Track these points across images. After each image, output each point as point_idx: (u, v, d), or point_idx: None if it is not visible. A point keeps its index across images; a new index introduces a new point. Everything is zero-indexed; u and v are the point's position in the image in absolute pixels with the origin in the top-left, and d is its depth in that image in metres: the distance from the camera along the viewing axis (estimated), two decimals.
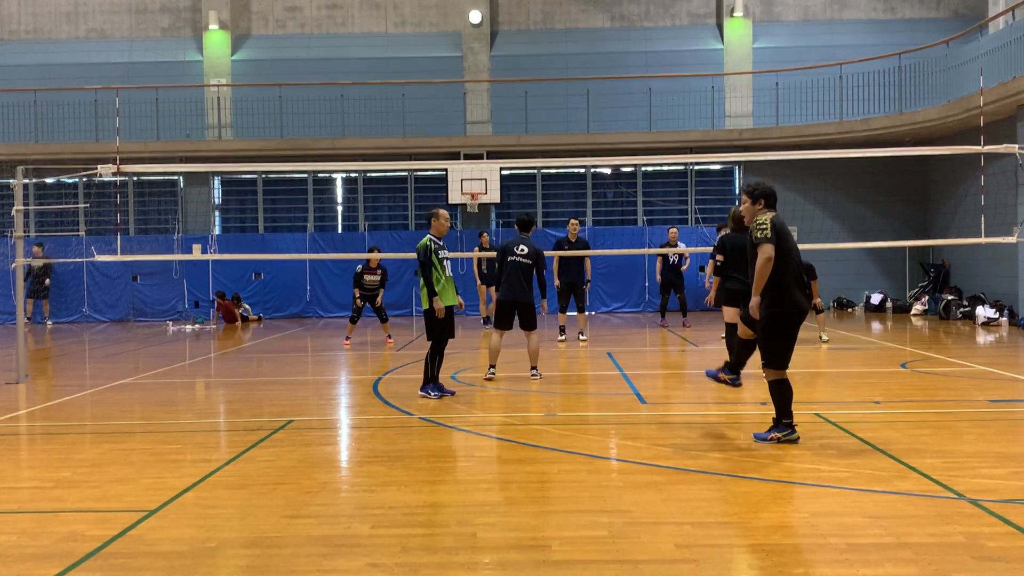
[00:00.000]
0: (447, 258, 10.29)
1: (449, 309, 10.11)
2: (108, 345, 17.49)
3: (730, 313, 10.90)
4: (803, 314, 7.49)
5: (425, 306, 10.05)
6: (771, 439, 7.48)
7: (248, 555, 5.00)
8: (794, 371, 12.07)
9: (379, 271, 16.11)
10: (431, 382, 10.02)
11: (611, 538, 5.12)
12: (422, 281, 10.00)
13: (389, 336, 16.53)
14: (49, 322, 22.71)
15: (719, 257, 10.95)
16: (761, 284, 7.35)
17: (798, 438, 7.50)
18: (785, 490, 6.10)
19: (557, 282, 16.22)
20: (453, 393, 10.10)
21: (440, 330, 10.07)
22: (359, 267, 16.15)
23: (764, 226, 7.32)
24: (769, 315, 7.42)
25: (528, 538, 5.14)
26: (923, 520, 5.35)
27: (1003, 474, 6.42)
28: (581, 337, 16.14)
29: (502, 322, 11.35)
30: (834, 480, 6.27)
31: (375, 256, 16.18)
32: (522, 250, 11.25)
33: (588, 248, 17.05)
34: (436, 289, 9.94)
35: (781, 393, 7.53)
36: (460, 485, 6.39)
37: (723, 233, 11.45)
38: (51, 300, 23.07)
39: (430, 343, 10.12)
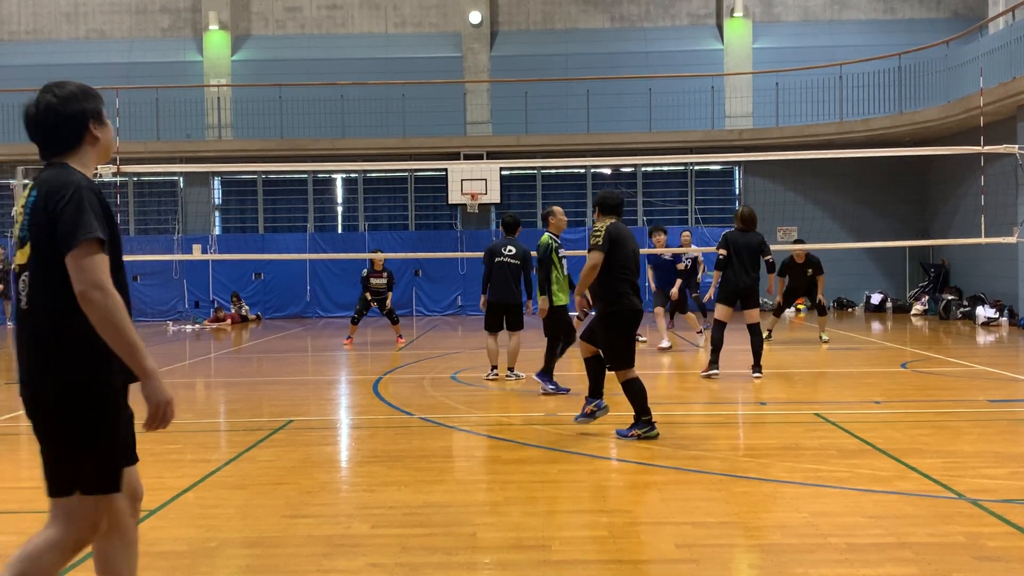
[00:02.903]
0: (565, 256, 10.51)
1: (563, 308, 10.28)
2: None
3: (723, 311, 11.04)
4: (637, 315, 7.82)
5: (541, 304, 10.16)
6: (632, 435, 7.62)
7: (248, 555, 5.00)
8: (794, 371, 12.13)
9: (384, 274, 16.02)
10: (548, 373, 10.12)
11: (611, 538, 5.12)
12: (546, 277, 10.12)
13: (400, 336, 16.45)
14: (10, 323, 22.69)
15: (722, 252, 11.10)
16: (583, 286, 7.92)
17: (657, 434, 7.63)
18: (785, 490, 6.10)
19: None
20: (568, 391, 10.03)
21: (560, 327, 10.21)
22: (364, 271, 16.13)
23: (598, 233, 7.78)
24: (608, 318, 7.76)
25: (528, 538, 5.14)
26: (923, 520, 5.35)
27: (1003, 474, 6.42)
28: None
29: (492, 324, 11.36)
30: (834, 480, 6.27)
31: (378, 257, 16.15)
32: (510, 251, 11.25)
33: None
34: (554, 289, 10.13)
35: (633, 391, 7.68)
36: (460, 485, 6.38)
37: (725, 232, 11.57)
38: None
39: (548, 339, 10.23)
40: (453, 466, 7.08)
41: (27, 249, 3.22)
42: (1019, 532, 5.12)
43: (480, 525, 5.39)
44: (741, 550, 5.01)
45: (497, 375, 11.33)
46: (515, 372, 11.33)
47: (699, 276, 19.02)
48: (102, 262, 3.17)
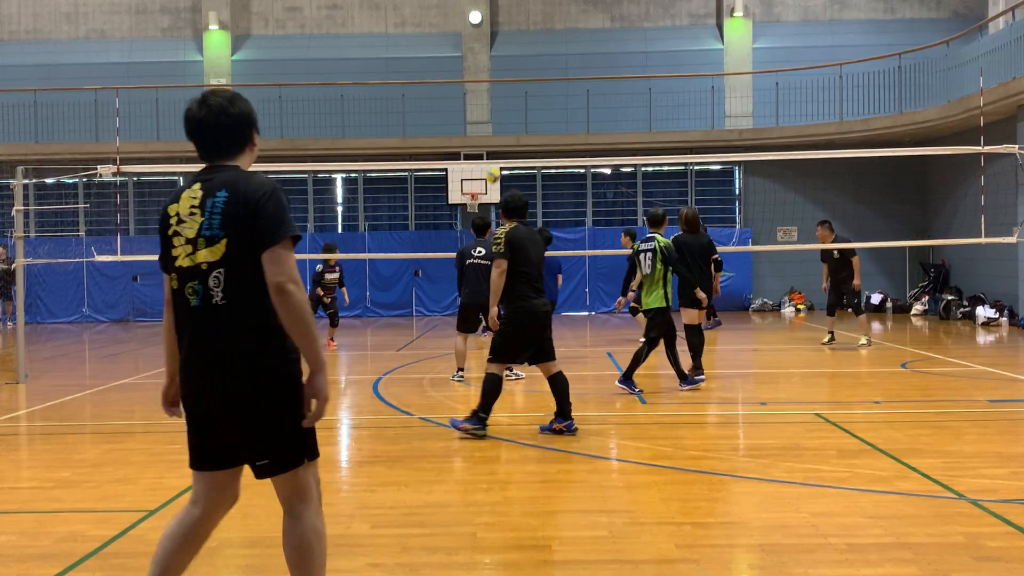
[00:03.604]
0: (648, 255, 10.52)
1: (661, 310, 10.22)
2: (108, 345, 17.49)
3: (691, 315, 10.98)
4: (536, 317, 7.85)
5: (659, 304, 10.14)
6: (462, 428, 7.78)
7: (248, 555, 5.00)
8: (794, 371, 12.12)
9: (337, 268, 15.89)
10: (630, 378, 10.10)
11: (611, 538, 5.12)
12: (657, 278, 10.13)
13: (332, 339, 15.93)
14: (11, 323, 22.72)
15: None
16: (496, 296, 7.92)
17: (485, 435, 7.74)
18: (785, 490, 6.10)
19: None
20: (641, 392, 10.05)
21: (663, 328, 10.18)
22: (319, 266, 15.84)
23: (499, 241, 7.88)
24: (508, 315, 7.96)
25: (528, 538, 5.14)
26: (923, 520, 5.35)
27: (1003, 474, 6.42)
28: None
29: (464, 325, 11.36)
30: (834, 480, 6.27)
31: (332, 257, 15.98)
32: (479, 252, 11.24)
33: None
34: (646, 290, 10.22)
35: (492, 387, 7.78)
36: (460, 485, 6.38)
37: (675, 235, 11.50)
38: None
39: (645, 340, 10.17)
40: (453, 466, 7.08)
41: (220, 247, 3.36)
42: (1019, 532, 5.12)
43: (480, 525, 5.39)
44: (741, 550, 5.02)
45: (463, 376, 11.32)
46: (460, 374, 11.40)
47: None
48: (294, 259, 3.39)
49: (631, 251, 11.04)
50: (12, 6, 25.80)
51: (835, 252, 14.84)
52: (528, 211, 8.27)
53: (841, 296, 14.95)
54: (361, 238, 23.55)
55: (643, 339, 10.31)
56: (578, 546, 5.00)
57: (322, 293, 15.61)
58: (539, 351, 7.97)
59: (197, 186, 3.49)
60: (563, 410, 7.91)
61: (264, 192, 3.39)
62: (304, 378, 3.52)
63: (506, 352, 7.91)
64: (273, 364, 3.43)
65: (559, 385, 7.92)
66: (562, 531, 5.25)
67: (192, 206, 3.46)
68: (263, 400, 3.43)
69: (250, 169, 3.63)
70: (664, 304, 10.14)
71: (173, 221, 3.50)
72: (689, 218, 11.20)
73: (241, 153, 3.58)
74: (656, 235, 10.34)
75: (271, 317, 3.39)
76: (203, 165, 3.65)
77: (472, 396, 10.32)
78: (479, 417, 7.77)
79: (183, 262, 3.44)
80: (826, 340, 15.03)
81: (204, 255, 3.39)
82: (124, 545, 5.15)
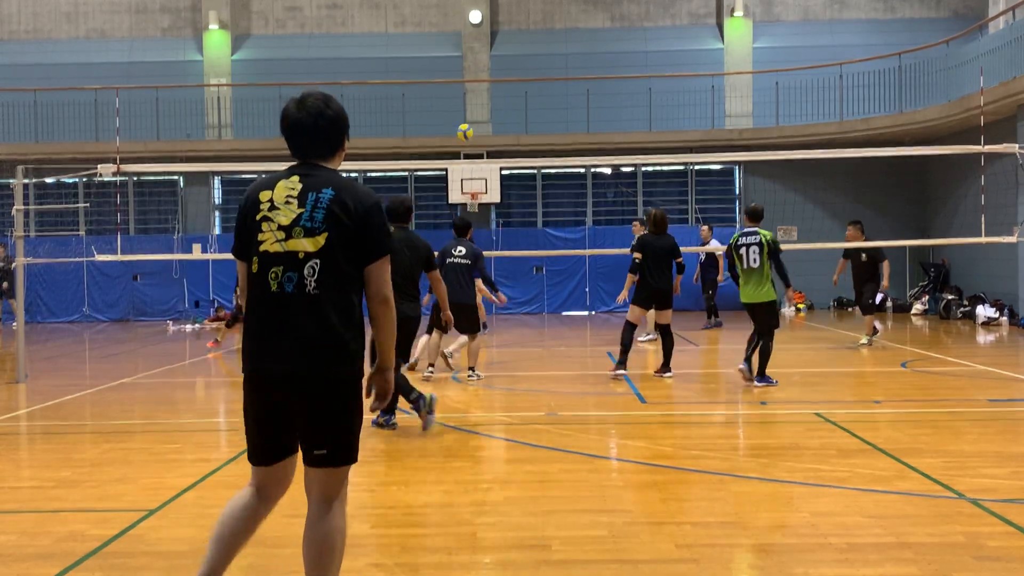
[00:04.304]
0: (747, 250, 10.70)
1: (766, 304, 10.52)
2: (108, 345, 17.49)
3: (635, 313, 11.17)
4: (404, 322, 7.77)
5: (771, 297, 10.42)
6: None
7: (248, 555, 5.00)
8: (794, 371, 12.10)
9: None
10: (763, 373, 10.34)
11: (611, 538, 5.12)
12: (765, 272, 10.40)
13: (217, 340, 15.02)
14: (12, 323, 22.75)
15: (637, 256, 11.29)
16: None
17: (396, 426, 8.14)
18: (785, 490, 6.10)
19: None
20: (776, 383, 10.28)
21: (769, 322, 10.46)
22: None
23: None
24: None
25: (528, 538, 5.14)
26: (923, 520, 5.35)
27: (1003, 474, 6.42)
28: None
29: (438, 323, 11.34)
30: (834, 480, 6.27)
31: None
32: (460, 251, 11.26)
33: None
34: (753, 284, 10.44)
35: (398, 382, 7.77)
36: (460, 485, 6.38)
37: (642, 233, 11.67)
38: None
39: (764, 335, 10.35)
40: (453, 466, 7.07)
41: (320, 239, 3.55)
42: (1019, 532, 5.12)
43: (480, 525, 5.39)
44: (741, 550, 5.02)
45: (432, 374, 11.33)
46: (476, 372, 11.35)
47: (720, 275, 19.03)
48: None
49: (728, 245, 11.00)
50: (12, 6, 25.79)
51: (863, 255, 14.68)
52: (411, 216, 8.47)
53: (861, 296, 14.89)
54: None
55: (756, 334, 10.52)
56: (578, 546, 5.00)
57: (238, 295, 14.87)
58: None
59: (296, 178, 3.67)
60: (392, 408, 7.94)
61: (374, 203, 3.65)
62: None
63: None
64: (353, 357, 3.62)
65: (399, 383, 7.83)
66: (562, 531, 5.25)
67: (289, 196, 3.62)
68: (340, 390, 3.61)
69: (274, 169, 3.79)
70: (774, 296, 10.49)
71: (264, 207, 3.63)
72: (658, 219, 11.40)
73: (333, 156, 3.79)
74: (758, 229, 10.58)
75: (354, 312, 3.64)
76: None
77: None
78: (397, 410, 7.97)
79: (271, 247, 3.59)
80: (864, 340, 14.66)
81: (302, 244, 3.55)
82: (124, 545, 5.15)
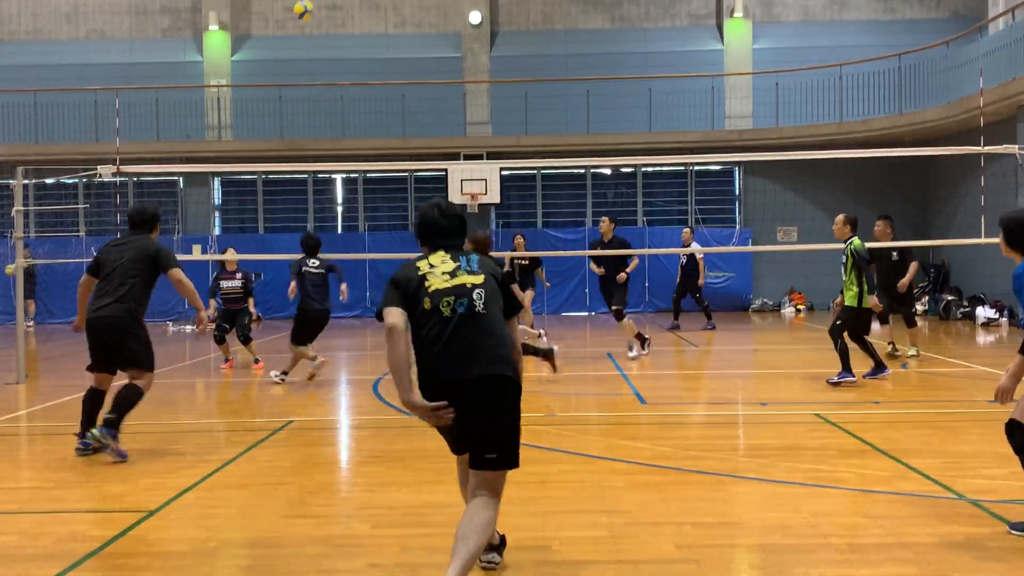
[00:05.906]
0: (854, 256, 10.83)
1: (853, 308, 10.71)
2: None
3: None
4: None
5: (854, 303, 10.55)
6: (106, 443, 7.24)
7: (248, 555, 5.00)
8: (795, 371, 12.10)
9: (239, 275, 13.45)
10: (848, 369, 10.49)
11: (611, 538, 5.12)
12: (851, 279, 10.54)
13: (257, 360, 13.34)
14: (30, 323, 22.76)
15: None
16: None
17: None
18: (785, 490, 6.10)
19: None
20: (855, 379, 10.41)
21: (856, 325, 10.71)
22: (217, 272, 13.77)
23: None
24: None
25: (528, 538, 5.14)
26: (923, 520, 5.35)
27: (1003, 474, 6.42)
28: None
29: (307, 332, 12.01)
30: (834, 480, 6.27)
31: (231, 257, 13.58)
32: (314, 263, 11.91)
33: (627, 247, 14.16)
34: (866, 290, 10.58)
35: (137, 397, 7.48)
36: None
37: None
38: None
39: (846, 335, 10.58)
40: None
41: (479, 277, 4.45)
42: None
43: None
44: (741, 550, 5.02)
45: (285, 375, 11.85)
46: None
47: (701, 279, 19.03)
48: None
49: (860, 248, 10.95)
50: (12, 6, 25.80)
51: (894, 254, 13.70)
52: (159, 222, 8.58)
53: (893, 300, 13.43)
54: (361, 238, 23.55)
55: (837, 334, 10.66)
56: (578, 546, 5.00)
57: (213, 308, 13.15)
58: (117, 360, 7.70)
59: (442, 252, 4.55)
60: (112, 420, 7.33)
61: (500, 264, 4.44)
62: None
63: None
64: (517, 369, 4.44)
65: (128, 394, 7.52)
66: (562, 531, 5.25)
67: (443, 259, 4.50)
68: (513, 398, 4.38)
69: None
70: (854, 303, 10.60)
71: (423, 267, 4.45)
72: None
73: (463, 240, 4.73)
74: (854, 238, 10.73)
75: (508, 330, 4.51)
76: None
77: None
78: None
79: (440, 285, 4.38)
80: (913, 352, 13.34)
81: (468, 279, 4.42)
82: (124, 545, 5.15)
